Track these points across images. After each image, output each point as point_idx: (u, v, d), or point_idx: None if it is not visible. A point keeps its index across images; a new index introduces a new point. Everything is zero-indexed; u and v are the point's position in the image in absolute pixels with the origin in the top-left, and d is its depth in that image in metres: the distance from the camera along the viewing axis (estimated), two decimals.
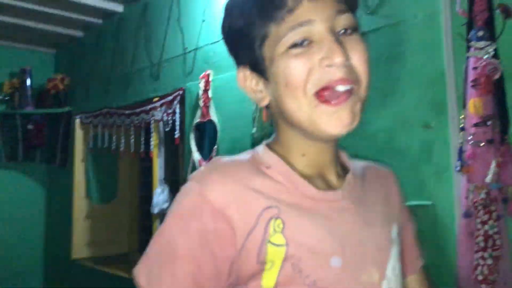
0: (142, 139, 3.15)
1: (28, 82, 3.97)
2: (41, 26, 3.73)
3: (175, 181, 3.11)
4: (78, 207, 3.76)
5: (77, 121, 3.85)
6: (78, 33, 3.96)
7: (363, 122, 0.71)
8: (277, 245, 0.66)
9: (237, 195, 0.68)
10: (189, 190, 0.70)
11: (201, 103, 2.53)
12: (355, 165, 0.81)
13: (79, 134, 3.85)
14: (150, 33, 3.15)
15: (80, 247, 3.71)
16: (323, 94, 0.67)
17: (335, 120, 0.67)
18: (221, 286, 0.68)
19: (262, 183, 0.70)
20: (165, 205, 2.84)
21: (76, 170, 3.80)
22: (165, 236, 0.70)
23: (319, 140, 0.73)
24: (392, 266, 0.74)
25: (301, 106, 0.68)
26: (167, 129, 2.87)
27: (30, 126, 4.01)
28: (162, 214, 2.94)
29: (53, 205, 4.30)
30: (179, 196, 0.71)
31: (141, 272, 0.70)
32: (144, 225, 3.75)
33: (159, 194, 2.86)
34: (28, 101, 3.99)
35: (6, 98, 4.03)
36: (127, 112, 3.25)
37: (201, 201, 0.67)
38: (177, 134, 2.75)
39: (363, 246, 0.71)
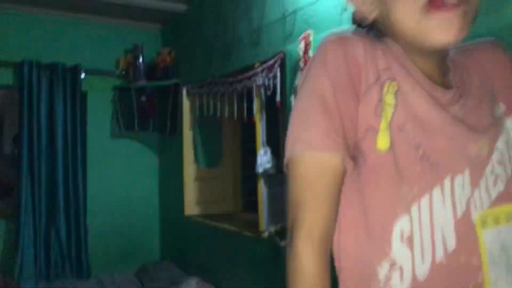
0: (245, 105, 3.34)
1: (140, 57, 4.36)
2: (148, 3, 4.06)
3: (276, 145, 3.27)
4: (187, 171, 4.11)
5: (184, 92, 4.15)
6: (182, 7, 4.23)
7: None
8: (389, 105, 0.72)
9: (368, 51, 0.74)
10: (328, 43, 0.76)
11: (301, 64, 2.62)
12: (455, 59, 0.82)
13: (186, 104, 4.16)
14: (250, 0, 3.28)
15: (191, 205, 4.07)
16: (435, 0, 0.67)
17: (445, 28, 0.68)
18: (351, 138, 0.74)
19: (383, 51, 0.76)
20: (268, 165, 3.02)
21: (185, 138, 4.13)
22: (308, 87, 0.76)
23: (425, 53, 0.75)
24: (504, 140, 0.77)
25: (411, 14, 0.70)
26: (268, 94, 3.00)
27: (143, 99, 4.42)
28: (266, 174, 3.13)
29: (165, 170, 4.73)
30: (319, 50, 0.77)
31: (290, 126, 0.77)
32: (248, 186, 4.00)
33: (263, 155, 3.05)
34: (141, 75, 4.39)
35: (123, 73, 4.47)
36: (230, 80, 3.44)
37: (340, 52, 0.73)
38: (278, 98, 2.87)
39: (469, 126, 0.74)
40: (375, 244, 0.73)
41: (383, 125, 0.72)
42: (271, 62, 2.94)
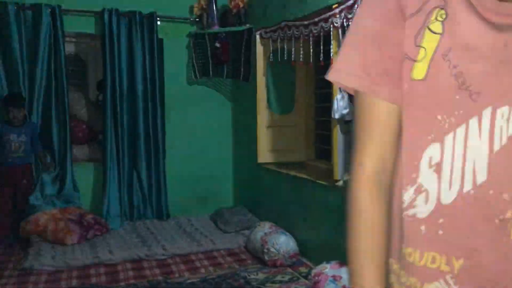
0: (321, 48, 3.21)
1: (214, 3, 4.31)
2: None
3: None
4: (261, 118, 4.09)
5: (258, 37, 4.07)
6: None
7: None
8: (434, 33, 0.71)
9: None
10: None
11: None
12: None
13: (259, 49, 4.09)
14: None
15: (264, 153, 4.08)
16: None
17: None
18: (396, 67, 0.74)
19: None
20: (345, 111, 2.91)
21: (258, 84, 4.09)
22: (355, 22, 0.78)
23: None
24: None
25: None
26: None
27: (217, 44, 4.39)
28: (342, 120, 3.03)
29: (238, 116, 4.77)
30: None
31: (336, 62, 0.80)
32: (322, 135, 3.92)
33: (340, 100, 2.93)
34: (214, 21, 4.36)
35: (197, 19, 4.45)
36: (305, 22, 3.30)
37: None
38: None
39: None
40: (404, 170, 0.75)
41: (421, 54, 0.71)
42: (351, 2, 2.75)
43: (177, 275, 3.19)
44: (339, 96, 2.94)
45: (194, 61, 4.55)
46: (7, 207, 3.83)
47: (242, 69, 4.37)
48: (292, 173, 3.70)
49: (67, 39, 4.29)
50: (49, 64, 4.11)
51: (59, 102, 4.14)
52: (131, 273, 3.24)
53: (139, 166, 4.45)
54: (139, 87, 4.38)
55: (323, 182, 3.24)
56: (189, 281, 3.00)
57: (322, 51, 3.21)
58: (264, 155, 4.07)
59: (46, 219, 3.83)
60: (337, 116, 2.93)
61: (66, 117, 4.17)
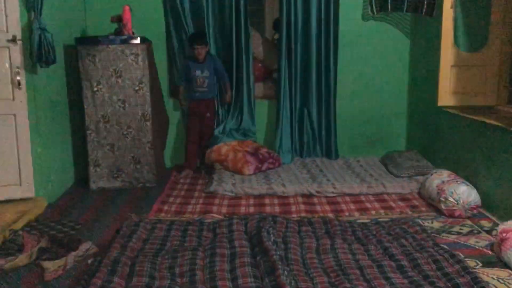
0: None
1: None
2: None
3: None
4: (445, 56, 3.70)
5: None
6: None
7: None
8: None
9: None
10: None
11: None
12: None
13: None
14: None
15: (446, 95, 3.73)
16: None
17: None
18: None
19: None
20: None
21: (444, 18, 3.67)
22: None
23: None
24: None
25: None
26: None
27: None
28: None
29: (417, 54, 4.41)
30: None
31: None
32: None
33: None
34: None
35: None
36: None
37: None
38: None
39: None
40: None
41: None
42: None
43: (347, 214, 3.23)
44: None
45: None
46: (196, 136, 4.30)
47: (425, 2, 3.97)
48: (478, 118, 3.32)
49: None
50: (230, 2, 4.29)
51: (238, 40, 4.35)
52: (302, 206, 3.39)
53: (310, 105, 4.51)
54: (313, 23, 4.34)
55: None
56: (359, 221, 3.01)
57: None
58: (446, 97, 3.72)
59: (227, 150, 4.20)
60: None
61: (250, 56, 4.36)
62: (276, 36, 4.57)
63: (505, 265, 2.39)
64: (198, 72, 4.18)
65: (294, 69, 4.43)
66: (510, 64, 3.60)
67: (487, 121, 3.21)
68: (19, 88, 3.13)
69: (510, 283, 2.22)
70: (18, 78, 3.11)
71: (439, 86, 3.73)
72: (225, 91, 4.33)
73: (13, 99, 3.13)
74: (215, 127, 4.40)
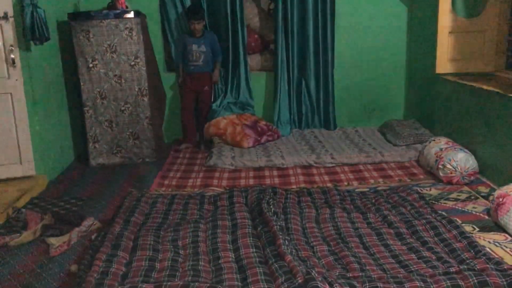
0: None
1: None
2: None
3: None
4: (442, 22, 3.65)
5: None
6: None
7: None
8: None
9: None
10: None
11: None
12: None
13: None
14: None
15: (444, 62, 3.70)
16: None
17: None
18: None
19: None
20: None
21: None
22: None
23: None
24: None
25: None
26: None
27: None
28: None
29: (414, 20, 4.36)
30: None
31: None
32: None
33: None
34: None
35: None
36: None
37: None
38: None
39: None
40: None
41: None
42: None
43: (346, 183, 3.26)
44: None
45: None
46: (190, 109, 4.29)
47: None
48: (477, 85, 3.32)
49: None
50: None
51: (233, 11, 4.29)
52: (301, 177, 3.42)
53: (308, 76, 4.49)
54: None
55: None
56: (358, 190, 3.05)
57: None
58: (444, 64, 3.70)
59: (226, 123, 4.20)
60: None
61: (244, 27, 4.31)
62: (272, 6, 4.51)
63: (501, 229, 2.43)
64: (194, 46, 4.14)
65: (291, 39, 4.39)
66: (508, 29, 3.56)
67: (486, 87, 3.21)
68: (14, 66, 3.10)
69: (506, 246, 2.26)
70: (12, 56, 3.08)
71: (437, 53, 3.70)
72: (213, 69, 4.30)
73: (8, 77, 3.11)
74: (213, 101, 4.39)
